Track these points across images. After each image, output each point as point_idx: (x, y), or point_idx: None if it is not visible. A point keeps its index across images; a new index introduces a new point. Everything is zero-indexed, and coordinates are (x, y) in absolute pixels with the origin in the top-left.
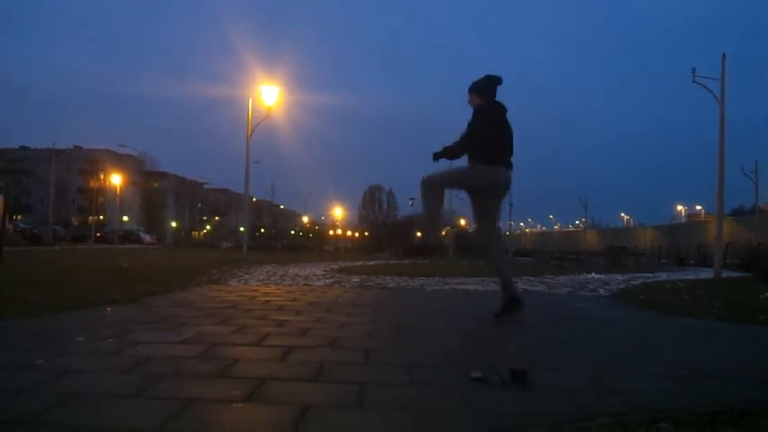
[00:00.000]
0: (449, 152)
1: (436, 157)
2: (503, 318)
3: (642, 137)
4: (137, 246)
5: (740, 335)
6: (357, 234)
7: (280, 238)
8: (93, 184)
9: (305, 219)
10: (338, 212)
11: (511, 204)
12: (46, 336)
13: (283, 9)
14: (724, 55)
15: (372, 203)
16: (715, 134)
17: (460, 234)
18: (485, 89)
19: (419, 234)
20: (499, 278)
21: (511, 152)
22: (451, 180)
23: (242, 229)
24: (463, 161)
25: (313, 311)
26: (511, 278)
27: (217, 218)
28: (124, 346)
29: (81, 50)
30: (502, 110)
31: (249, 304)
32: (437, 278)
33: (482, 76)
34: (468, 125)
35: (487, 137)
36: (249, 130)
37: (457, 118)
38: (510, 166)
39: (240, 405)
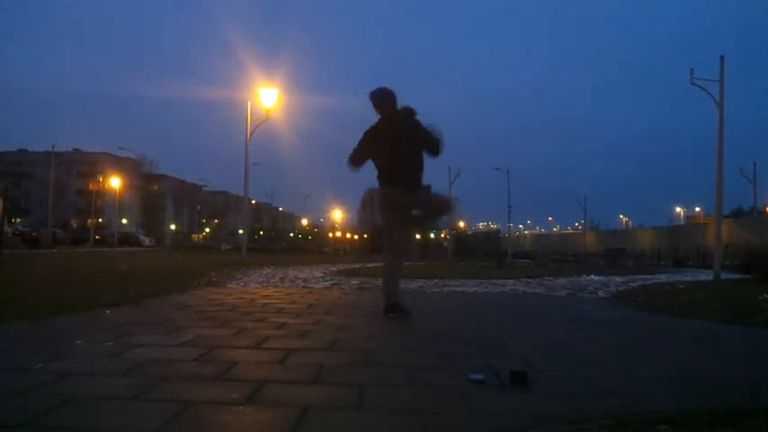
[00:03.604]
0: None
1: None
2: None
3: (641, 138)
4: (136, 248)
5: (739, 336)
6: (356, 236)
7: (279, 241)
8: (92, 186)
9: (304, 221)
10: (337, 214)
11: (510, 206)
12: (45, 338)
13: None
14: (722, 57)
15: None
16: (713, 135)
17: (460, 236)
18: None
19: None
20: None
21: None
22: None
23: (241, 231)
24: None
25: (312, 314)
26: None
27: (216, 220)
28: (123, 348)
29: (80, 53)
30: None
31: (248, 307)
32: (436, 280)
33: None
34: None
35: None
36: (248, 133)
37: (457, 118)
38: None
39: (240, 408)
